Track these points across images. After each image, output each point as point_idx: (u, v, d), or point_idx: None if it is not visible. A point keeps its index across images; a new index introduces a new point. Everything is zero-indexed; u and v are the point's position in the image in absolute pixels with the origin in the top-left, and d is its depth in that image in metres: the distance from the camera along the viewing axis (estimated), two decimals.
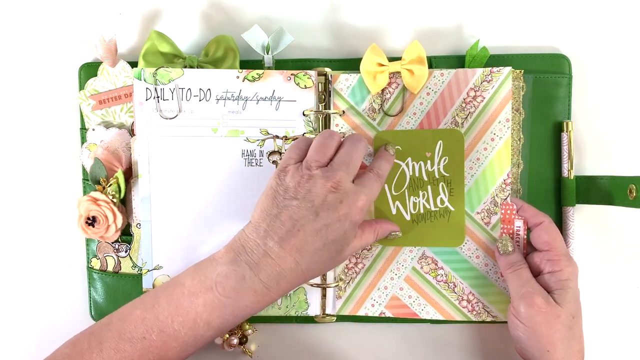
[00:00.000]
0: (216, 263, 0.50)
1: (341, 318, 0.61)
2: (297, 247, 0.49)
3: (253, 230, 0.51)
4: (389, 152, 0.56)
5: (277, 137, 0.58)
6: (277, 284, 0.50)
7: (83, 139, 0.60)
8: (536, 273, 0.55)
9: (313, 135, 0.57)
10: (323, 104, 0.59)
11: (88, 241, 0.61)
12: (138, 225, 0.59)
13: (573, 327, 0.53)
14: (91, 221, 0.58)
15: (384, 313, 0.59)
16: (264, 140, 0.58)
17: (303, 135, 0.58)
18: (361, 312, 0.60)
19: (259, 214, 0.51)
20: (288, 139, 0.58)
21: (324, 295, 0.60)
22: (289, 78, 0.58)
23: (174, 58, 0.59)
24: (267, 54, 0.58)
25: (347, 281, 0.59)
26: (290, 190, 0.50)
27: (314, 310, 0.60)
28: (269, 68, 0.59)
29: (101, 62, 0.60)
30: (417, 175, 0.58)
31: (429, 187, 0.58)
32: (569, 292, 0.53)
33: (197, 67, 0.58)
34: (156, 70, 0.57)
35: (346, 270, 0.59)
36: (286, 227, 0.49)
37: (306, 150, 0.53)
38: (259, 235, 0.50)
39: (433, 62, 0.60)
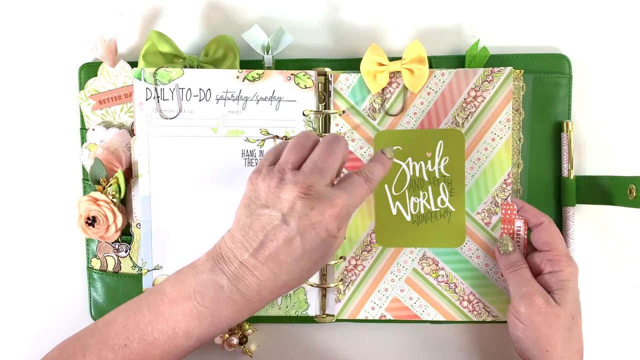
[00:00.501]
0: (196, 271, 0.49)
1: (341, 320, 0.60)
2: (272, 259, 0.46)
3: (230, 239, 0.48)
4: (386, 156, 0.52)
5: (277, 137, 0.58)
6: (257, 294, 0.47)
7: (83, 139, 0.60)
8: (536, 273, 0.55)
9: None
10: (323, 104, 0.59)
11: (88, 241, 0.61)
12: (138, 225, 0.59)
13: (572, 328, 0.53)
14: (91, 221, 0.58)
15: (384, 316, 0.59)
16: (264, 140, 0.58)
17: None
18: (361, 316, 0.59)
19: (235, 223, 0.49)
20: (288, 139, 0.58)
21: (323, 295, 0.60)
22: (289, 78, 0.58)
23: (174, 58, 0.59)
24: (267, 54, 0.58)
25: (347, 283, 0.59)
26: (261, 197, 0.47)
27: (313, 310, 0.60)
28: (269, 68, 0.59)
29: (101, 62, 0.59)
30: (417, 175, 0.58)
31: (429, 187, 0.58)
32: (568, 293, 0.53)
33: (197, 67, 0.58)
34: (156, 70, 0.57)
35: (345, 273, 0.59)
36: (259, 238, 0.47)
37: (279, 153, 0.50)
38: (235, 245, 0.48)
39: (433, 62, 0.60)
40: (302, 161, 0.48)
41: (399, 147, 0.58)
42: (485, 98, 0.57)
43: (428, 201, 0.58)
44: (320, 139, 0.50)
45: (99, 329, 0.49)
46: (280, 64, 0.60)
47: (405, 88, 0.58)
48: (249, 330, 0.60)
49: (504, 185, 0.58)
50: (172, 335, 0.48)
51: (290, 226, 0.46)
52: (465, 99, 0.58)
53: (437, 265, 0.59)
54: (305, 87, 0.58)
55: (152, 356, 0.48)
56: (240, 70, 0.58)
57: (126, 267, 0.60)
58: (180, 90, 0.57)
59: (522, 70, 0.58)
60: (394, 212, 0.58)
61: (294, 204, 0.46)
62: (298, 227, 0.46)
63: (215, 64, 0.59)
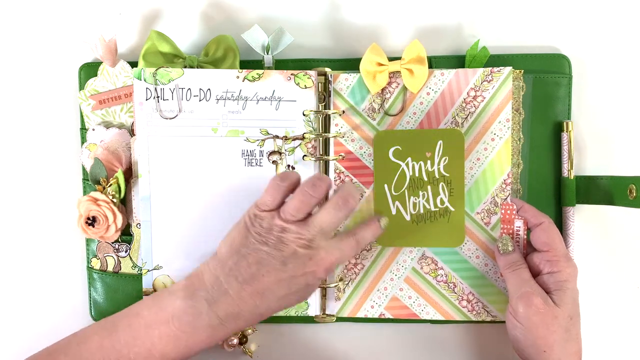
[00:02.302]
0: (175, 296, 0.51)
1: (341, 318, 0.60)
2: (259, 292, 0.50)
3: (218, 266, 0.51)
4: (380, 225, 0.56)
5: (277, 137, 0.58)
6: (234, 321, 0.50)
7: (83, 139, 0.60)
8: (535, 273, 0.55)
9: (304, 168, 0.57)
10: (323, 103, 0.59)
11: (88, 241, 0.61)
12: (138, 225, 0.59)
13: (570, 329, 0.53)
14: (91, 221, 0.58)
15: (383, 314, 0.59)
16: (264, 140, 0.58)
17: (287, 168, 0.58)
18: (360, 314, 0.59)
19: (227, 249, 0.51)
20: (288, 139, 0.58)
21: (324, 295, 0.60)
22: (289, 78, 0.58)
23: (174, 58, 0.59)
24: (267, 54, 0.58)
25: (347, 282, 0.59)
26: (263, 234, 0.50)
27: (314, 310, 0.60)
28: (269, 68, 0.59)
29: (101, 62, 0.60)
30: (417, 175, 0.58)
31: (429, 187, 0.58)
32: (567, 293, 0.53)
33: (197, 67, 0.58)
34: (156, 70, 0.57)
35: (345, 272, 0.59)
36: (252, 270, 0.50)
37: (285, 194, 0.52)
38: (223, 271, 0.50)
39: (433, 62, 0.60)
40: (305, 216, 0.51)
41: (398, 147, 0.58)
42: (484, 98, 0.57)
43: (427, 201, 0.58)
44: (331, 192, 0.53)
45: (73, 346, 0.50)
46: (280, 64, 0.60)
47: (404, 88, 0.58)
48: (249, 330, 0.60)
49: (504, 185, 0.58)
50: (148, 357, 0.50)
51: (287, 268, 0.50)
52: (464, 99, 0.58)
53: (436, 264, 0.59)
54: (305, 87, 0.58)
55: None
56: (240, 70, 0.58)
57: (126, 267, 0.60)
58: (180, 90, 0.58)
59: (522, 70, 0.58)
60: (394, 211, 0.58)
61: (295, 251, 0.50)
62: (293, 271, 0.50)
63: (215, 64, 0.59)
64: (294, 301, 0.52)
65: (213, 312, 0.49)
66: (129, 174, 0.59)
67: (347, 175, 0.59)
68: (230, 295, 0.50)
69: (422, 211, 0.58)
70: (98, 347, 0.50)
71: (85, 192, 0.60)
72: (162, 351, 0.50)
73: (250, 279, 0.49)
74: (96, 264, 0.61)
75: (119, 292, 0.60)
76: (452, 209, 0.58)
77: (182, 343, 0.50)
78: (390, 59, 0.58)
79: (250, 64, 0.60)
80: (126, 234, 0.60)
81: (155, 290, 0.58)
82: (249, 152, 0.58)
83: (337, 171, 0.59)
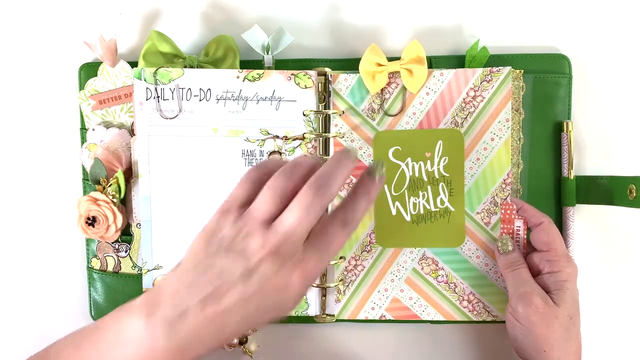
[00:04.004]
0: (133, 315, 0.42)
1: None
2: (220, 317, 0.40)
3: (180, 279, 0.41)
4: (374, 177, 0.43)
5: (277, 137, 0.58)
6: (194, 348, 0.41)
7: (83, 139, 0.60)
8: (535, 273, 0.55)
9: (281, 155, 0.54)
10: (323, 104, 0.59)
11: (88, 241, 0.61)
12: (138, 225, 0.59)
13: (570, 328, 0.53)
14: (91, 221, 0.58)
15: (384, 316, 0.59)
16: (264, 140, 0.58)
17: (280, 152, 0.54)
18: (361, 316, 0.59)
19: (190, 259, 0.42)
20: (288, 139, 0.58)
21: (324, 295, 0.60)
22: (289, 78, 0.58)
23: (174, 58, 0.59)
24: (267, 54, 0.58)
25: (347, 284, 0.59)
26: (225, 239, 0.41)
27: (314, 310, 0.60)
28: (269, 68, 0.59)
29: (101, 62, 0.60)
30: (416, 175, 0.58)
31: (428, 187, 0.58)
32: (566, 293, 0.53)
33: (197, 67, 0.58)
34: (156, 70, 0.57)
35: (345, 273, 0.59)
36: (213, 286, 0.40)
37: (259, 186, 0.42)
38: (183, 285, 0.41)
39: (433, 62, 0.60)
40: (278, 211, 0.41)
41: (398, 147, 0.58)
42: (484, 98, 0.57)
43: (427, 201, 0.58)
44: (305, 185, 0.41)
45: (50, 357, 0.45)
46: (280, 64, 0.60)
47: (404, 88, 0.58)
48: (249, 330, 0.60)
49: (504, 185, 0.58)
50: None
51: (250, 284, 0.40)
52: (464, 99, 0.58)
53: (436, 265, 0.59)
54: (306, 87, 0.58)
55: None
56: (241, 70, 0.58)
57: (126, 267, 0.60)
58: (181, 90, 0.58)
59: (522, 70, 0.58)
60: (394, 212, 0.58)
61: (260, 262, 0.40)
62: (259, 287, 0.40)
63: (216, 64, 0.59)
64: (266, 321, 0.42)
65: (171, 336, 0.40)
66: (129, 174, 0.59)
67: None
68: (188, 316, 0.40)
69: (422, 211, 0.58)
70: None
71: (85, 192, 0.60)
72: None
73: (211, 298, 0.40)
74: (96, 264, 0.61)
75: (119, 292, 0.60)
76: (452, 209, 0.58)
77: None
78: (390, 59, 0.58)
79: (250, 64, 0.60)
80: (126, 234, 0.60)
81: None
82: (249, 152, 0.58)
83: None
